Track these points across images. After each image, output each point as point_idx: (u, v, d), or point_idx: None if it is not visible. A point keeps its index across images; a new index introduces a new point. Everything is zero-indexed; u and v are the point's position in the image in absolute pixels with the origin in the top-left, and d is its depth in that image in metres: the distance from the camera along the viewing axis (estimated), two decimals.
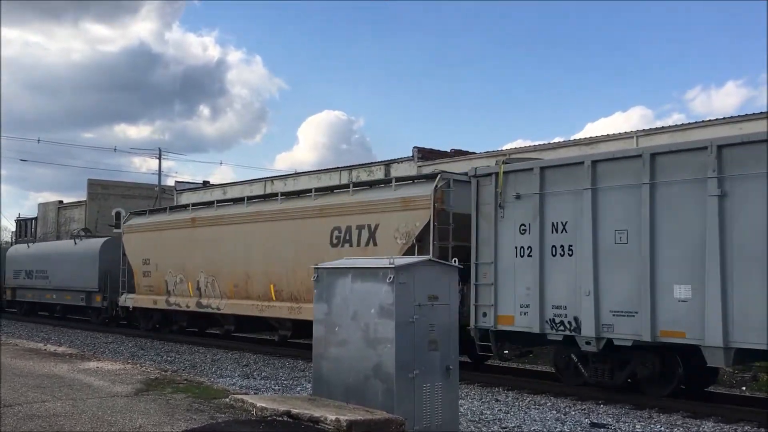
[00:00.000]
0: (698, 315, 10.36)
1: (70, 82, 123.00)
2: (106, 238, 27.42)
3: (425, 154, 38.46)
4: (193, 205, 21.82)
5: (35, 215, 69.19)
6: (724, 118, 27.41)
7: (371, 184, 16.83)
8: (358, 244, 15.41)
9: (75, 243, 28.11)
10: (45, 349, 13.90)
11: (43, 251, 30.22)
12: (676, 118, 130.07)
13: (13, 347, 14.00)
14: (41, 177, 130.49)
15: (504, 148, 37.45)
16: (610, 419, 10.52)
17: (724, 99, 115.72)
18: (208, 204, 21.01)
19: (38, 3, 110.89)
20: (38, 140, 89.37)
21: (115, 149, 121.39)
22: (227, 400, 7.97)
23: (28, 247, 31.91)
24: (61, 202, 69.43)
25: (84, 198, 64.61)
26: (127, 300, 23.15)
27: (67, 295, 27.60)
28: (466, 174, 13.91)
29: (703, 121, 28.10)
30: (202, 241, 20.04)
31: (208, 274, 19.82)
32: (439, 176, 14.41)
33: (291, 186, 45.33)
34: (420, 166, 37.59)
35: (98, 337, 22.79)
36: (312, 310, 8.21)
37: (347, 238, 15.68)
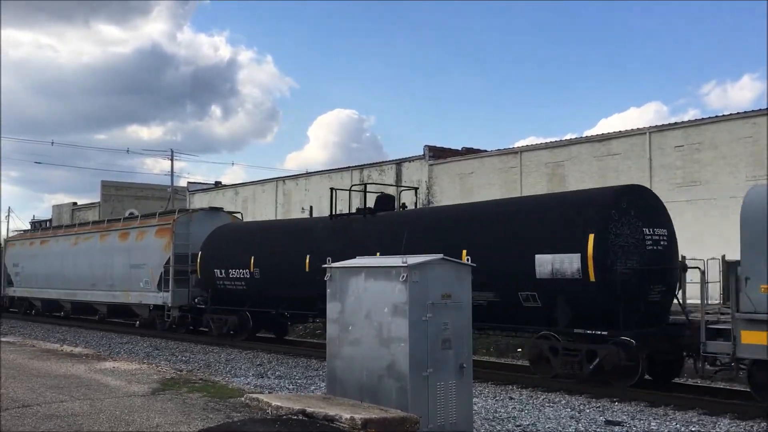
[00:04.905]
0: None
1: (82, 84, 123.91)
2: None
3: (436, 153, 38.39)
4: None
5: (50, 217, 69.61)
6: (738, 113, 27.09)
7: None
8: None
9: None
10: (61, 350, 14.02)
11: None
12: (691, 114, 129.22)
13: (30, 348, 14.14)
14: (55, 179, 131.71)
15: (516, 145, 37.42)
16: (625, 417, 10.50)
17: (740, 93, 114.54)
18: None
19: (49, 4, 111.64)
20: (52, 143, 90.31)
21: (127, 151, 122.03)
22: (243, 399, 8.03)
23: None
24: (75, 203, 69.99)
25: (98, 200, 65.12)
26: None
27: None
28: None
29: (716, 116, 27.84)
30: None
31: None
32: None
33: (303, 186, 45.57)
34: (431, 165, 37.54)
35: (113, 338, 22.96)
36: None
37: None
